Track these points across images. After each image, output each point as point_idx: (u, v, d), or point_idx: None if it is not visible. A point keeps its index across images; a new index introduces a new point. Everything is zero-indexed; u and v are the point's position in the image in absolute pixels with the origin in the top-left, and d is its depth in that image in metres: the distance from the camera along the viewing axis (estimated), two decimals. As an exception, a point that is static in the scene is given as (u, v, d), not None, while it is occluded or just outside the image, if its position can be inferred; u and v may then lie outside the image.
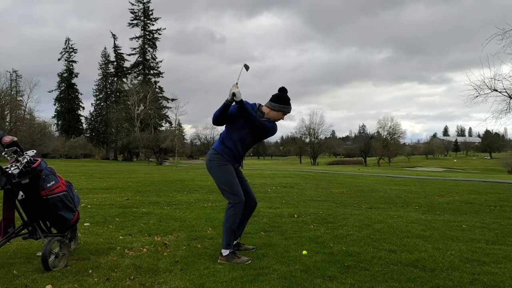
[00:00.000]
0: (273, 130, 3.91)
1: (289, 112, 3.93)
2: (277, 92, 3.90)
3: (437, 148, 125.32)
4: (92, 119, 76.07)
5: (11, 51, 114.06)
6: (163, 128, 62.82)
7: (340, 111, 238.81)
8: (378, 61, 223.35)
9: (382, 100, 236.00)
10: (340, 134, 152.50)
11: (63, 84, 75.55)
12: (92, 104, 76.62)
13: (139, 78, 67.46)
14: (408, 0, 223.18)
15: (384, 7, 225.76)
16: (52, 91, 75.94)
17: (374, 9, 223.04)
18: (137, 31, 68.19)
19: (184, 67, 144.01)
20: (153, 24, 68.06)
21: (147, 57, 68.13)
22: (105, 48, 76.56)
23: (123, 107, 62.10)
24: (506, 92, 12.75)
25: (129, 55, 69.14)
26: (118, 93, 71.02)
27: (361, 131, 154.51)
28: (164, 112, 65.26)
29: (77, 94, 78.00)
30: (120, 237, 4.65)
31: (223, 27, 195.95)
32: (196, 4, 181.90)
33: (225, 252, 3.70)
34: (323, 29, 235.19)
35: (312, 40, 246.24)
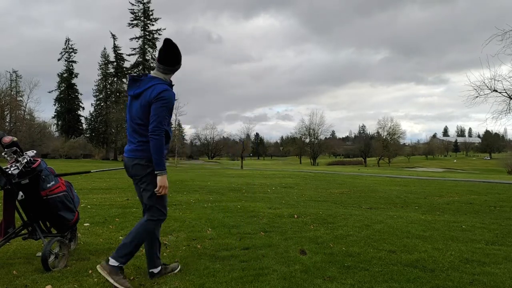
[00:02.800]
0: None
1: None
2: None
3: (437, 148, 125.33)
4: (92, 119, 75.99)
5: (10, 52, 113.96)
6: (163, 129, 62.84)
7: (339, 112, 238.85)
8: (375, 62, 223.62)
9: (381, 101, 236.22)
10: (340, 135, 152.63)
11: (63, 84, 75.52)
12: (92, 104, 76.54)
13: (139, 78, 67.46)
14: (403, 1, 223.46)
15: (379, 8, 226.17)
16: (52, 91, 75.89)
17: (370, 10, 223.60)
18: (137, 32, 68.14)
19: (181, 68, 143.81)
20: (153, 25, 68.01)
21: (147, 58, 68.12)
22: (104, 48, 76.52)
23: (123, 107, 62.07)
24: (506, 92, 12.74)
25: (129, 55, 69.07)
26: (118, 93, 71.02)
27: (361, 132, 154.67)
28: (164, 113, 65.29)
29: (77, 94, 77.93)
30: (120, 237, 4.64)
31: (220, 28, 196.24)
32: (194, 5, 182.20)
33: (116, 263, 3.02)
34: (320, 30, 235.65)
35: (310, 41, 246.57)
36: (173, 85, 3.19)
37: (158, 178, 2.96)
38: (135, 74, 3.18)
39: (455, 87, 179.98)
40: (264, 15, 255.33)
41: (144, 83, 3.05)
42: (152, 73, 3.15)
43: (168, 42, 3.06)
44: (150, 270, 3.24)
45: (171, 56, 3.07)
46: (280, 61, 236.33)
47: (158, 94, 2.95)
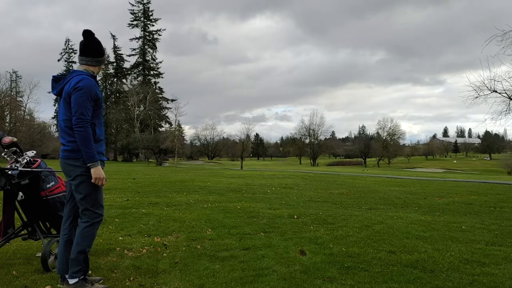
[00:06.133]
0: None
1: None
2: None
3: (436, 149, 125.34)
4: (92, 120, 76.06)
5: (9, 52, 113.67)
6: (163, 129, 62.84)
7: (338, 112, 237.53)
8: (372, 63, 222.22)
9: (379, 101, 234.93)
10: (339, 135, 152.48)
11: (63, 84, 75.71)
12: (92, 104, 76.58)
13: (139, 78, 67.50)
14: (397, 4, 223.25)
15: (375, 10, 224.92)
16: (51, 92, 76.11)
17: (364, 12, 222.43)
18: (137, 32, 68.35)
19: (178, 68, 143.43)
20: (153, 25, 68.16)
21: (147, 58, 68.20)
22: (104, 49, 76.68)
23: (122, 108, 62.08)
24: (506, 93, 12.75)
25: (129, 55, 69.20)
26: (118, 94, 71.05)
27: (361, 132, 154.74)
28: (164, 113, 65.31)
29: (76, 94, 78.07)
30: (120, 237, 4.65)
31: (217, 29, 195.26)
32: (191, 6, 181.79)
33: (75, 279, 2.91)
34: (316, 32, 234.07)
35: (307, 42, 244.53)
36: (95, 76, 3.09)
37: (92, 170, 2.84)
38: (56, 75, 3.12)
39: (453, 88, 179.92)
40: (260, 17, 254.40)
41: (65, 80, 3.00)
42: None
43: (87, 33, 2.99)
44: (64, 275, 2.96)
45: (91, 46, 3.02)
46: (278, 62, 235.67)
47: (75, 84, 2.85)
